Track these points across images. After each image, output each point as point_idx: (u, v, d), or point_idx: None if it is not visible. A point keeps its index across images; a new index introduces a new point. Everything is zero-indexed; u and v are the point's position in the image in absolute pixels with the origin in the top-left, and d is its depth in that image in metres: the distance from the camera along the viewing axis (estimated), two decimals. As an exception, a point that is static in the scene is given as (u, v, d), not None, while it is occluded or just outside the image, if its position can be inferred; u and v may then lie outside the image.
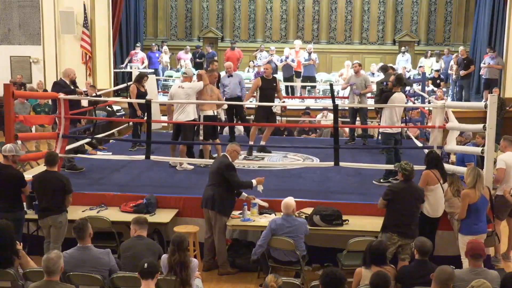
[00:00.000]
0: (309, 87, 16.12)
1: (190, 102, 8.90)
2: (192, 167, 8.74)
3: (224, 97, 10.09)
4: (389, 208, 6.17)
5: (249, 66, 17.08)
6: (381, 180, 8.02)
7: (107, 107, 11.33)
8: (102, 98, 10.74)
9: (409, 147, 9.93)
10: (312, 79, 15.51)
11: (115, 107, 13.76)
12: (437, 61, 16.64)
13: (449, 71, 15.95)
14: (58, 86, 8.45)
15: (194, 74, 9.39)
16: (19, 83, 14.05)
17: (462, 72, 14.77)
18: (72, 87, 8.51)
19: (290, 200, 6.28)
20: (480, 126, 7.07)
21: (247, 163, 9.18)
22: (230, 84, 10.31)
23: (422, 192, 6.26)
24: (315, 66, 15.73)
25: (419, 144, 9.82)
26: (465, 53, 15.16)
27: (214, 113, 8.97)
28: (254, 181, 6.90)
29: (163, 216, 7.00)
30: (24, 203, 7.05)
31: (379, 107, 8.93)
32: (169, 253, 5.13)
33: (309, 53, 15.44)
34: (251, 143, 9.54)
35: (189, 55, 17.49)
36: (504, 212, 7.20)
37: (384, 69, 10.98)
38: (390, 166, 7.71)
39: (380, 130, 8.79)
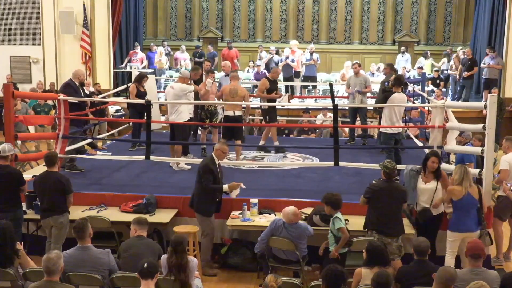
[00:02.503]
0: (310, 87, 16.12)
1: (194, 103, 8.92)
2: (190, 167, 8.71)
3: None
4: (370, 206, 6.24)
5: (249, 66, 17.08)
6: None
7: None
8: (104, 99, 10.74)
9: (409, 147, 9.95)
10: (313, 79, 15.51)
11: (115, 107, 13.76)
12: (448, 61, 16.63)
13: (449, 71, 15.95)
14: (70, 88, 8.43)
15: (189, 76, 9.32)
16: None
17: (465, 74, 14.76)
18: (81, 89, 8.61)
19: (289, 210, 6.19)
20: (480, 126, 7.06)
21: (247, 163, 9.19)
22: (226, 83, 10.29)
23: (403, 192, 6.26)
24: (316, 66, 15.72)
25: (419, 144, 9.83)
26: (470, 53, 15.12)
27: (234, 113, 8.88)
28: (226, 186, 6.75)
29: (163, 216, 7.00)
30: (24, 203, 7.07)
31: (379, 107, 8.93)
32: (168, 255, 5.15)
33: (311, 53, 15.44)
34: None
35: (185, 54, 17.43)
36: (506, 213, 7.20)
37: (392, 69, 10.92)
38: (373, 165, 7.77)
39: (380, 130, 8.79)
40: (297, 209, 6.26)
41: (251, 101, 11.40)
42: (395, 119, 8.22)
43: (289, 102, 10.22)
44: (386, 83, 10.05)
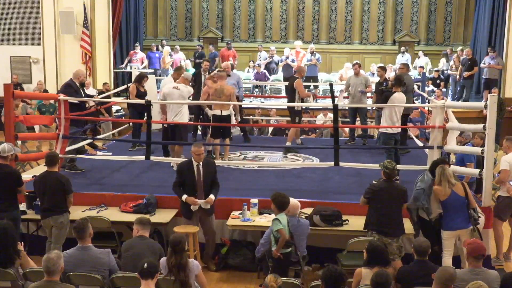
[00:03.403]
0: (311, 87, 16.10)
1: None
2: None
3: None
4: (370, 207, 6.24)
5: (249, 66, 17.07)
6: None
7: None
8: (104, 99, 10.75)
9: (409, 147, 9.95)
10: (315, 79, 15.50)
11: (115, 108, 13.75)
12: (447, 61, 16.64)
13: (450, 71, 15.95)
14: (70, 88, 8.44)
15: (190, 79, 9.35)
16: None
17: (465, 74, 14.76)
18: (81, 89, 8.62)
19: (295, 202, 6.25)
20: (480, 126, 7.07)
21: (247, 163, 9.19)
22: (228, 84, 10.33)
23: (404, 192, 6.25)
24: (317, 66, 15.72)
25: (420, 144, 9.83)
26: (470, 53, 15.12)
27: (221, 113, 8.89)
28: (185, 197, 6.65)
29: (163, 216, 6.99)
30: (24, 203, 7.08)
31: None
32: (167, 255, 5.15)
33: (311, 53, 15.42)
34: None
35: (180, 54, 17.40)
36: (506, 213, 7.20)
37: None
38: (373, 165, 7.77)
39: (380, 130, 8.79)
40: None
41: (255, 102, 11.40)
42: (396, 119, 8.22)
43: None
44: (385, 83, 10.05)
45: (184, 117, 8.65)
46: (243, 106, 12.19)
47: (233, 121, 9.46)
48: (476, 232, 6.21)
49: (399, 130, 8.51)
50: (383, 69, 10.72)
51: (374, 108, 10.70)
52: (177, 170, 6.86)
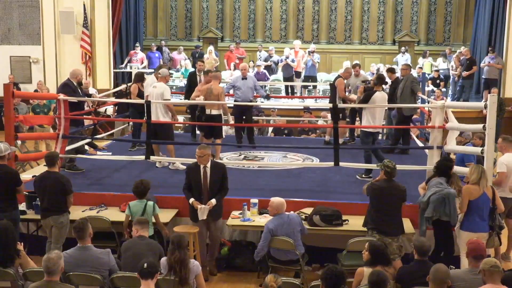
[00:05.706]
0: (310, 87, 16.12)
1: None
2: (184, 167, 8.61)
3: (234, 100, 10.24)
4: (370, 205, 6.25)
5: (248, 66, 17.01)
6: (363, 175, 8.21)
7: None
8: (104, 99, 10.76)
9: (409, 147, 9.95)
10: (314, 79, 15.50)
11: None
12: (443, 61, 16.64)
13: (451, 71, 15.94)
14: (68, 88, 8.42)
15: (168, 74, 9.33)
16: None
17: (464, 73, 14.76)
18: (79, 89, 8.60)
19: (280, 200, 6.28)
20: (480, 126, 7.06)
21: (247, 163, 9.19)
22: (243, 87, 10.19)
23: (403, 192, 6.24)
24: (316, 66, 15.72)
25: (419, 144, 9.83)
26: (469, 53, 15.12)
27: (210, 112, 8.91)
28: (191, 200, 6.56)
29: (163, 216, 6.97)
30: (24, 203, 7.07)
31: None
32: (168, 252, 5.15)
33: (310, 53, 15.42)
34: None
35: (183, 55, 17.40)
36: (503, 214, 7.18)
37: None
38: (373, 165, 7.80)
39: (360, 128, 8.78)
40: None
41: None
42: (377, 118, 8.18)
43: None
44: (368, 82, 10.03)
45: (160, 116, 8.60)
46: (262, 107, 12.32)
47: (224, 121, 9.45)
48: (497, 238, 6.18)
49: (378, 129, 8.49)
50: (390, 70, 10.72)
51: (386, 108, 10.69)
52: (186, 172, 6.73)
